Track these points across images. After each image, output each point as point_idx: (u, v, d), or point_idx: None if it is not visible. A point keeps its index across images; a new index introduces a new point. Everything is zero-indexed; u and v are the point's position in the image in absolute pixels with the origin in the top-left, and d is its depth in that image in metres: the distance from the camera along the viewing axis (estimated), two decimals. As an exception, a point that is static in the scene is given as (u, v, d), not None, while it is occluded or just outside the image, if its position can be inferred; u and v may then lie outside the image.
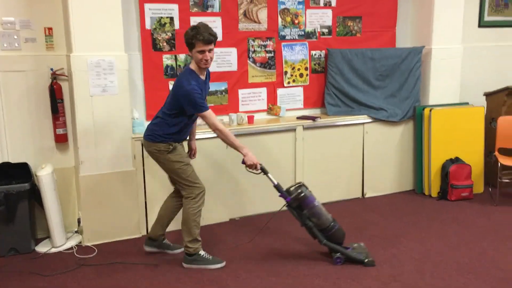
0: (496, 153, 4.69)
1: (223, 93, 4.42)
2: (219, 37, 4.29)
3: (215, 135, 3.38)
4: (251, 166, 3.31)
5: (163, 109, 3.34)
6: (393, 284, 3.10)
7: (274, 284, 3.16)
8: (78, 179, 3.80)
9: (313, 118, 4.52)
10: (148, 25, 4.04)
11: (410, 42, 5.05)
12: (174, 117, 3.26)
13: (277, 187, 3.37)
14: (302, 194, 3.34)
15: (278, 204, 3.53)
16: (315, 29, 4.69)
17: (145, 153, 3.89)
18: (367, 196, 4.86)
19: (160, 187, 3.98)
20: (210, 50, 3.14)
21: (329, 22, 4.73)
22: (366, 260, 3.33)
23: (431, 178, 4.79)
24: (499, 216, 4.26)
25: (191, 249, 3.39)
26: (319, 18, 4.68)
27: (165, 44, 4.12)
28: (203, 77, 3.29)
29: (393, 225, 4.11)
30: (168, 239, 3.69)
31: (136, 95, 4.11)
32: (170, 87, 4.18)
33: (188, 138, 3.57)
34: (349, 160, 4.73)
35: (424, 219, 4.22)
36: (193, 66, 3.26)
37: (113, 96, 3.75)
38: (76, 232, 3.92)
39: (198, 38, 3.08)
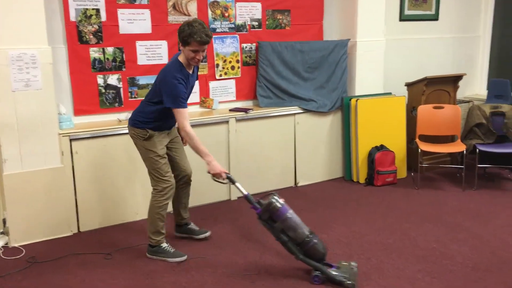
0: (417, 140, 4.99)
1: (154, 86, 4.38)
2: (148, 30, 4.24)
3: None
4: (216, 175, 3.23)
5: (146, 96, 3.37)
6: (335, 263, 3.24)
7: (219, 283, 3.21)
8: (2, 178, 3.64)
9: (245, 110, 4.59)
10: (73, 17, 3.92)
11: (337, 35, 5.24)
12: (155, 105, 3.25)
13: (247, 197, 3.14)
14: (272, 205, 3.03)
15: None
16: (245, 22, 4.75)
17: (74, 149, 3.81)
18: (299, 184, 5.01)
19: (90, 183, 3.90)
20: (203, 50, 3.15)
21: (258, 15, 4.81)
22: (347, 282, 2.97)
23: (359, 165, 5.03)
24: (420, 198, 4.56)
25: (153, 240, 3.41)
26: (248, 11, 4.74)
27: (91, 36, 4.02)
28: (190, 71, 3.28)
29: (323, 211, 4.28)
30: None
31: (62, 90, 3.98)
32: (99, 81, 4.11)
33: (175, 124, 3.45)
34: (282, 150, 4.85)
35: (352, 205, 4.43)
36: (181, 58, 3.23)
37: (37, 91, 3.61)
38: (1, 233, 3.75)
39: (195, 38, 3.05)
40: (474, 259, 3.34)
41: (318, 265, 3.04)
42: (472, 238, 3.66)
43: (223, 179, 3.20)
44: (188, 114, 3.30)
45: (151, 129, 3.30)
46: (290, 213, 3.07)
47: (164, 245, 3.43)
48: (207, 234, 3.72)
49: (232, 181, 3.21)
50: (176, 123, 3.32)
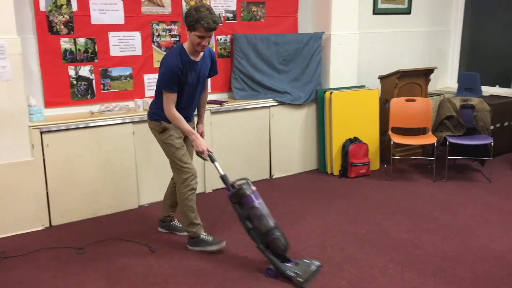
0: (390, 132, 5.08)
1: (128, 78, 4.32)
2: (120, 20, 4.18)
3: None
4: (200, 152, 3.26)
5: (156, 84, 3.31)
6: (298, 259, 3.27)
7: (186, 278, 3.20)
8: (-31, 172, 3.55)
9: (220, 103, 4.58)
10: (43, 7, 3.82)
11: (311, 28, 5.26)
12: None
13: (223, 178, 3.17)
14: (241, 191, 3.06)
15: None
16: (219, 14, 4.72)
17: (45, 142, 3.74)
18: (274, 177, 5.04)
19: (62, 176, 3.84)
20: (210, 37, 3.07)
21: (233, 7, 4.78)
22: (296, 278, 2.96)
23: (333, 157, 5.08)
24: (392, 190, 4.64)
25: (190, 232, 3.42)
26: (223, 3, 4.71)
27: (62, 27, 3.93)
28: (195, 58, 3.18)
29: (298, 203, 4.32)
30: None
31: (32, 81, 3.90)
32: (70, 72, 4.04)
33: (191, 117, 3.45)
34: (257, 142, 4.86)
35: (326, 196, 4.49)
36: (186, 45, 3.15)
37: (6, 83, 3.52)
38: (-31, 228, 3.67)
39: (202, 24, 2.98)
40: (444, 248, 3.42)
41: (274, 258, 3.05)
42: (442, 228, 3.75)
43: (206, 156, 3.25)
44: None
45: (166, 120, 3.25)
46: (258, 203, 3.07)
47: (202, 235, 3.41)
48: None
49: (212, 160, 3.26)
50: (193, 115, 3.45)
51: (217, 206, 4.23)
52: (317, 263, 3.14)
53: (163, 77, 3.12)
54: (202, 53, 3.23)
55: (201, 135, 3.56)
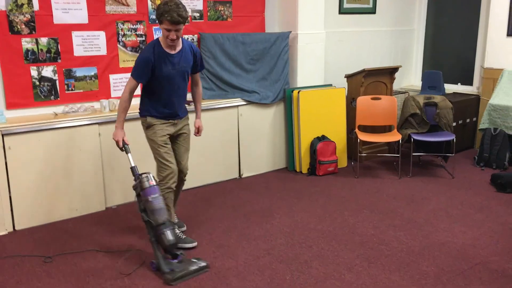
0: (356, 130, 5.16)
1: (93, 78, 4.25)
2: (84, 20, 4.11)
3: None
4: (115, 141, 3.31)
5: None
6: (266, 258, 3.30)
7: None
8: None
9: (187, 102, 4.53)
10: (2, 6, 3.72)
11: (278, 27, 5.29)
12: (146, 86, 3.32)
13: (132, 169, 3.26)
14: (141, 184, 3.15)
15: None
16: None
17: (6, 144, 3.65)
18: (244, 176, 5.05)
19: (25, 179, 3.75)
20: (177, 30, 3.10)
21: (200, 6, 4.77)
22: (166, 275, 3.02)
23: (301, 155, 5.13)
24: (359, 187, 4.73)
25: None
26: (190, 2, 4.69)
27: (23, 26, 3.83)
28: (170, 50, 3.23)
29: (267, 202, 4.35)
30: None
31: (-8, 82, 3.79)
32: (32, 73, 3.95)
33: (181, 115, 3.47)
34: (226, 142, 4.86)
35: (295, 194, 4.53)
36: (162, 37, 3.23)
37: (-36, 84, 3.42)
38: None
39: (166, 17, 3.03)
40: (408, 243, 3.51)
41: (157, 253, 3.12)
42: (406, 224, 3.85)
43: (120, 147, 3.30)
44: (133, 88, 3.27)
45: (151, 115, 3.35)
46: (153, 197, 3.12)
47: (177, 231, 3.46)
48: (184, 228, 3.74)
49: (126, 151, 3.32)
50: (185, 114, 3.51)
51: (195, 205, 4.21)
52: (203, 264, 3.14)
53: (134, 65, 3.25)
54: (179, 47, 3.27)
55: (198, 129, 3.62)
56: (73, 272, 3.13)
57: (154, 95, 3.33)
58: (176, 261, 3.12)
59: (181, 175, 3.57)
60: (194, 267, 3.09)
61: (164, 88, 3.30)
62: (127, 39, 4.37)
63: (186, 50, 3.33)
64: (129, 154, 3.31)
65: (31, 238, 3.64)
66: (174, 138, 3.49)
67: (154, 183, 3.17)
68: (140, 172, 3.23)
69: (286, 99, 5.15)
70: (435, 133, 5.08)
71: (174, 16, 3.03)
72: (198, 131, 3.63)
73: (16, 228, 3.78)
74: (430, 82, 5.98)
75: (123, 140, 3.28)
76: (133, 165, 3.27)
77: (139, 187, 3.16)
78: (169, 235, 3.09)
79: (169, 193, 3.40)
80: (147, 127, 3.38)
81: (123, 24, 4.32)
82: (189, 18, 4.70)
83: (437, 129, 5.15)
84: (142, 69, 3.20)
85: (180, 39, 3.28)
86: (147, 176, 3.17)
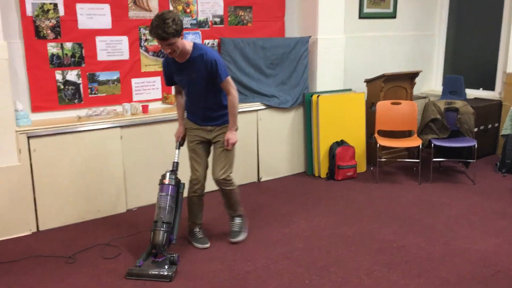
0: (376, 135, 5.14)
1: (115, 82, 4.33)
2: (108, 25, 4.19)
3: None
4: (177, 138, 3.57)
5: None
6: (285, 262, 3.32)
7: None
8: (-45, 178, 3.53)
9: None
10: (29, 12, 3.82)
11: (298, 32, 5.31)
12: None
13: (173, 163, 3.46)
14: (160, 178, 3.34)
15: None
16: (207, 18, 4.75)
17: (32, 146, 3.73)
18: (262, 180, 5.07)
19: (49, 181, 3.84)
20: (169, 44, 3.05)
21: (220, 11, 4.82)
22: (129, 268, 3.14)
23: (320, 160, 5.13)
24: (378, 192, 4.70)
25: (188, 223, 3.66)
26: (210, 7, 4.74)
27: (49, 31, 3.93)
28: (179, 59, 3.26)
29: (285, 206, 4.36)
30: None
31: (19, 86, 3.89)
32: (57, 76, 4.04)
33: (211, 123, 3.44)
34: (244, 146, 4.88)
35: (313, 199, 4.53)
36: None
37: (-7, 88, 3.52)
38: (-44, 234, 3.65)
39: (152, 34, 3.06)
40: (428, 249, 3.48)
41: (148, 250, 3.27)
42: (426, 230, 3.82)
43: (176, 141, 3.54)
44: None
45: (187, 117, 3.51)
46: (160, 194, 3.28)
47: (196, 229, 3.63)
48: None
49: (176, 147, 3.51)
50: (219, 123, 3.46)
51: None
52: (165, 273, 3.09)
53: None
54: (188, 56, 3.24)
55: (227, 142, 3.41)
56: (94, 273, 3.19)
57: (186, 95, 3.46)
58: (153, 259, 3.19)
59: (217, 183, 3.50)
60: (154, 272, 3.10)
61: (188, 92, 3.41)
62: (149, 43, 4.44)
63: (196, 60, 3.24)
64: (176, 150, 3.49)
65: (54, 239, 3.72)
66: (211, 144, 3.53)
67: (167, 182, 3.29)
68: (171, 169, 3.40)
69: (305, 103, 5.16)
70: (456, 139, 5.03)
71: (157, 33, 3.00)
72: (226, 143, 3.41)
73: (40, 228, 3.87)
74: (451, 87, 5.92)
75: (178, 136, 3.52)
76: (175, 160, 3.44)
77: (160, 181, 3.33)
78: (155, 235, 3.17)
79: (193, 197, 3.54)
80: (187, 129, 3.53)
81: (145, 29, 4.39)
82: (210, 23, 4.75)
83: (458, 135, 5.09)
84: (165, 73, 3.44)
85: (191, 48, 3.23)
86: (166, 174, 3.32)
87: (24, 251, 3.50)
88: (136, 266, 3.14)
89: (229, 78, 3.32)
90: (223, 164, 3.45)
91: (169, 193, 3.27)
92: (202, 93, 3.34)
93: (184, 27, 4.56)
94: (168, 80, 3.45)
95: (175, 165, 3.43)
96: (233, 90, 3.34)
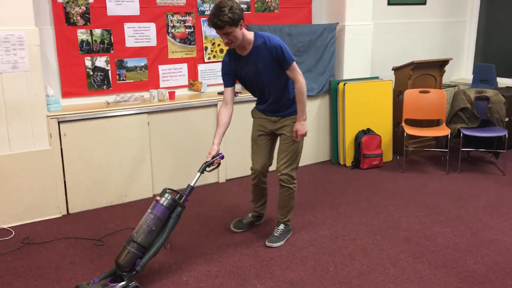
0: (403, 123, 5.07)
1: (143, 69, 4.37)
2: (136, 11, 4.22)
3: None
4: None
5: None
6: (309, 249, 3.32)
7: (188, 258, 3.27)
8: (-11, 160, 3.65)
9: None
10: (60, -2, 3.89)
11: (325, 19, 5.25)
12: None
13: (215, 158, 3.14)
14: (159, 194, 2.93)
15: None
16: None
17: (62, 131, 3.82)
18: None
19: (79, 165, 3.92)
20: (226, 34, 2.95)
21: (247, -3, 4.80)
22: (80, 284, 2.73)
23: (346, 148, 5.10)
24: (404, 181, 4.65)
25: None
26: (237, -6, 4.72)
27: (79, 18, 3.99)
28: (241, 52, 3.13)
29: (310, 194, 4.36)
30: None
31: (49, 72, 3.97)
32: (87, 63, 4.10)
33: (278, 114, 3.30)
34: (269, 133, 4.89)
35: (339, 187, 4.51)
36: None
37: (25, 73, 3.60)
38: (-10, 215, 3.77)
39: (209, 23, 2.99)
40: (455, 240, 3.44)
41: (113, 268, 2.84)
42: (453, 220, 3.76)
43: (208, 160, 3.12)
44: (229, 93, 3.26)
45: (255, 107, 3.45)
46: (149, 212, 2.86)
47: (249, 214, 3.69)
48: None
49: (203, 169, 3.13)
50: (286, 114, 3.29)
51: (228, 194, 4.29)
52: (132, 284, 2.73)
53: None
54: (250, 46, 3.10)
55: (296, 133, 3.21)
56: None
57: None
58: (108, 283, 2.74)
59: (279, 178, 3.36)
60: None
61: (252, 87, 3.31)
62: (176, 30, 4.46)
63: (259, 49, 3.09)
64: (198, 173, 3.10)
65: (83, 221, 3.81)
66: (277, 137, 3.41)
67: (161, 201, 2.87)
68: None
69: (332, 91, 5.12)
70: (486, 128, 4.92)
71: (214, 22, 2.91)
72: (295, 135, 3.23)
73: (70, 211, 3.97)
74: (482, 76, 5.77)
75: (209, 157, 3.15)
76: (191, 184, 3.08)
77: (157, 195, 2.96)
78: (123, 254, 2.77)
79: (252, 185, 3.56)
80: (253, 117, 3.48)
81: (172, 16, 4.41)
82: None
83: (488, 124, 4.98)
84: (224, 69, 3.26)
85: (252, 38, 3.09)
86: (165, 192, 2.91)
87: (55, 233, 3.60)
88: (88, 283, 2.73)
89: (295, 63, 3.11)
90: (286, 158, 3.29)
91: (157, 214, 2.85)
92: (269, 83, 3.18)
93: (210, 13, 4.61)
94: (228, 79, 3.23)
95: (189, 189, 3.03)
96: (300, 77, 3.13)
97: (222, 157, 3.16)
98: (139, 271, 2.79)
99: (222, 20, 2.88)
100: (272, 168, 3.45)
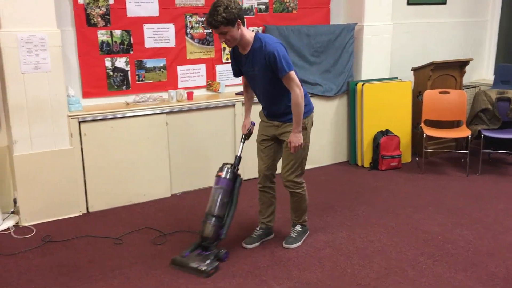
0: (422, 124, 5.02)
1: (162, 69, 4.41)
2: (155, 13, 4.26)
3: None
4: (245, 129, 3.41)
5: None
6: (327, 250, 3.31)
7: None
8: (12, 159, 3.71)
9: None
10: (81, 0, 3.94)
11: (344, 19, 5.22)
12: None
13: (237, 157, 3.32)
14: (217, 171, 3.21)
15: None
16: (252, 5, 4.74)
17: (83, 131, 3.87)
18: (305, 168, 5.04)
19: (99, 164, 3.97)
20: (222, 33, 2.90)
21: (265, -2, 4.81)
22: (174, 257, 3.15)
23: (364, 149, 5.06)
24: (424, 183, 4.60)
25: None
26: (256, -6, 4.74)
27: (99, 19, 4.04)
28: (242, 51, 3.07)
29: (328, 195, 4.34)
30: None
31: (70, 72, 4.03)
32: (107, 63, 4.16)
33: (278, 119, 3.22)
34: (287, 134, 4.88)
35: (357, 188, 4.48)
36: None
37: (46, 73, 3.66)
38: (12, 212, 3.84)
39: (205, 22, 2.99)
40: (476, 243, 3.39)
41: (198, 240, 3.19)
42: (474, 223, 3.71)
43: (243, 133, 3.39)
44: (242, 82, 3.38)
45: (262, 109, 3.35)
46: (215, 187, 3.17)
47: (257, 228, 3.51)
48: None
49: (243, 139, 3.38)
50: (287, 120, 3.18)
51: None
52: (204, 268, 3.01)
53: None
54: (249, 47, 3.02)
55: (289, 144, 3.14)
56: (140, 254, 3.29)
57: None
58: (199, 252, 3.13)
59: (284, 184, 3.33)
60: (193, 266, 3.03)
61: (253, 87, 3.26)
62: (195, 31, 4.49)
63: (256, 52, 3.01)
64: (241, 144, 3.36)
65: (103, 220, 3.86)
66: (281, 142, 3.28)
67: (223, 175, 3.16)
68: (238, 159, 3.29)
69: (350, 92, 5.09)
70: (508, 130, 4.85)
71: (208, 21, 2.88)
72: (290, 147, 3.12)
73: (90, 210, 4.02)
74: (504, 76, 5.68)
75: (244, 129, 3.38)
76: (238, 154, 3.30)
77: (216, 172, 3.22)
78: (207, 228, 3.11)
79: (259, 193, 3.45)
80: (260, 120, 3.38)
81: (191, 16, 4.44)
82: (254, 10, 4.74)
83: (509, 126, 4.91)
84: (231, 63, 3.26)
85: (252, 39, 3.01)
86: (223, 167, 3.20)
87: (75, 231, 3.65)
88: (181, 255, 3.12)
89: (292, 73, 2.95)
90: (290, 165, 3.23)
91: (223, 187, 3.15)
92: (266, 88, 3.11)
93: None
94: (235, 71, 3.26)
95: (237, 160, 3.26)
96: (296, 87, 2.97)
97: (253, 124, 3.40)
98: (224, 238, 3.17)
99: (216, 20, 2.82)
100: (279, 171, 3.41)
